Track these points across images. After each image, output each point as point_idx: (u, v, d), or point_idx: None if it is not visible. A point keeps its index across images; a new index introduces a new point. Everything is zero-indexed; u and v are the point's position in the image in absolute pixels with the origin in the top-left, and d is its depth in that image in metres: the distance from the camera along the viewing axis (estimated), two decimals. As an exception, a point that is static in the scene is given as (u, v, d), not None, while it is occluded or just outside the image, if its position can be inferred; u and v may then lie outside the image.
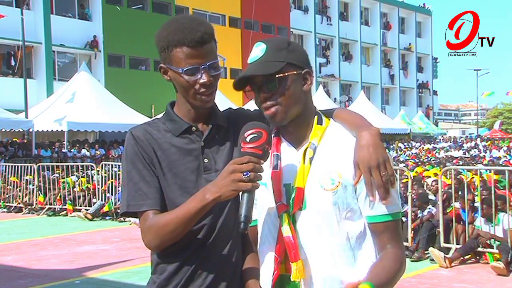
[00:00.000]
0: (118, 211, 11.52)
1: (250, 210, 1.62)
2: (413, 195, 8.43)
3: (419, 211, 8.22)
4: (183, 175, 1.81)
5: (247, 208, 1.61)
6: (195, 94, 1.80)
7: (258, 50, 1.75)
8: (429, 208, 8.12)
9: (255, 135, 1.64)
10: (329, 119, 1.81)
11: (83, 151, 22.59)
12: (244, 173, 1.60)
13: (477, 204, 7.71)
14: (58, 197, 13.01)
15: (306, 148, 1.73)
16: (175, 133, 1.85)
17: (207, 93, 1.80)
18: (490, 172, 10.79)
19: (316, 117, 1.78)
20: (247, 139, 1.64)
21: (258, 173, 1.61)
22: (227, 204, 1.81)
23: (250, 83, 1.75)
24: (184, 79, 1.78)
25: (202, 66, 1.76)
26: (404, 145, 35.58)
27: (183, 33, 1.76)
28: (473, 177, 10.54)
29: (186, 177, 1.81)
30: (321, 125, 1.77)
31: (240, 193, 1.64)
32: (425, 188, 10.32)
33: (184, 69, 1.77)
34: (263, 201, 1.79)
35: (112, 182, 12.15)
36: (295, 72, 1.72)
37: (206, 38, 1.77)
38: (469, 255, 7.36)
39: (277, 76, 1.69)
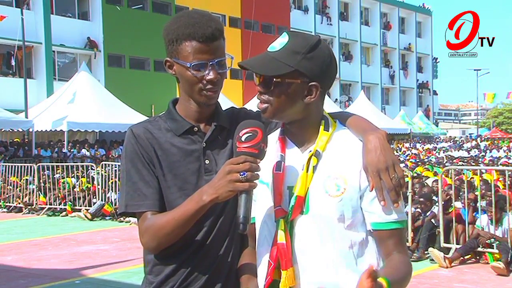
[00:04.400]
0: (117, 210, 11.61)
1: (249, 211, 1.59)
2: (414, 195, 8.43)
3: (422, 212, 8.19)
4: (183, 177, 1.79)
5: (246, 209, 1.58)
6: (201, 90, 1.77)
7: (278, 42, 1.68)
8: (433, 208, 8.11)
9: (250, 134, 1.61)
10: (336, 122, 1.76)
11: (83, 151, 22.58)
12: (241, 173, 1.57)
13: (478, 204, 7.70)
14: (58, 197, 13.02)
15: (311, 156, 1.67)
16: (177, 132, 1.83)
17: (213, 90, 1.78)
18: (486, 172, 10.79)
19: (323, 122, 1.72)
20: (243, 139, 1.61)
21: (255, 173, 1.58)
22: (226, 205, 1.79)
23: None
24: (191, 74, 1.76)
25: (211, 62, 1.75)
26: (404, 145, 35.56)
27: (194, 27, 1.74)
28: (472, 177, 10.54)
29: (186, 179, 1.79)
30: (328, 131, 1.71)
31: (238, 194, 1.61)
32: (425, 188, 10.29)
33: (192, 64, 1.74)
34: (264, 201, 1.74)
35: (112, 182, 12.14)
36: (299, 81, 1.64)
37: (217, 34, 1.76)
38: (469, 255, 7.36)
39: (274, 80, 1.64)
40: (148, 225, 1.74)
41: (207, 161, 1.81)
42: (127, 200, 1.78)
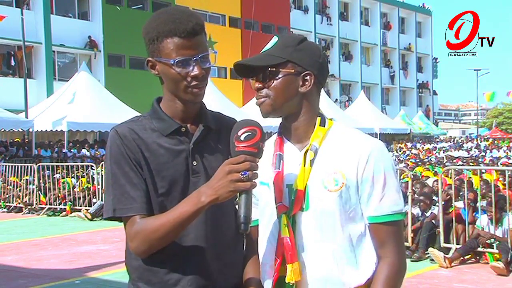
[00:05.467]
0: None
1: (249, 210, 1.58)
2: (414, 195, 8.42)
3: (421, 213, 8.18)
4: (171, 178, 1.74)
5: (246, 208, 1.57)
6: (186, 88, 1.73)
7: (269, 43, 1.77)
8: (432, 209, 8.12)
9: (249, 133, 1.60)
10: (332, 121, 1.79)
11: (83, 151, 22.58)
12: (242, 173, 1.55)
13: (478, 204, 7.70)
14: (58, 197, 13.02)
15: (307, 150, 1.71)
16: (164, 132, 1.77)
17: (199, 86, 1.74)
18: (486, 172, 10.79)
19: (319, 118, 1.77)
20: (241, 138, 1.59)
21: (255, 172, 1.57)
22: (218, 206, 1.76)
23: (253, 72, 1.76)
24: (175, 71, 1.71)
25: (194, 58, 1.71)
26: (406, 145, 35.55)
27: (174, 23, 1.70)
28: (471, 177, 10.54)
29: (174, 180, 1.75)
30: (324, 126, 1.76)
31: (238, 194, 1.60)
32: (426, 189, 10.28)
33: (176, 61, 1.70)
34: (265, 201, 1.77)
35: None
36: (292, 71, 1.71)
37: (198, 29, 1.72)
38: (469, 255, 7.35)
39: (269, 69, 1.70)
40: (138, 229, 1.69)
41: (194, 163, 1.77)
42: (115, 204, 1.72)
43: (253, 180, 1.57)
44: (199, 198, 1.61)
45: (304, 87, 1.73)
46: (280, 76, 1.71)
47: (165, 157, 1.75)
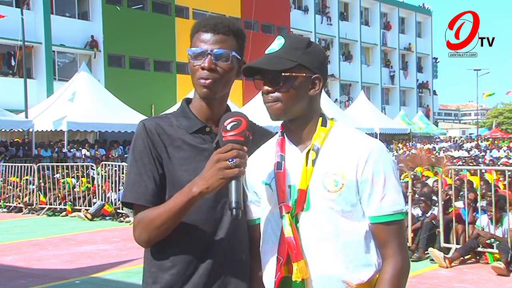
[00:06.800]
0: (118, 210, 11.59)
1: (240, 196, 1.63)
2: (413, 195, 8.42)
3: (421, 213, 8.19)
4: (192, 174, 1.78)
5: (237, 194, 1.62)
6: (197, 80, 1.81)
7: (276, 44, 1.76)
8: (432, 209, 8.12)
9: (235, 122, 1.65)
10: (333, 121, 1.81)
11: (83, 151, 22.58)
12: (230, 160, 1.60)
13: (478, 204, 7.70)
14: (58, 197, 13.02)
15: (309, 150, 1.73)
16: (189, 130, 1.85)
17: (206, 77, 1.79)
18: (486, 172, 10.79)
19: (320, 119, 1.78)
20: (228, 128, 1.65)
21: (243, 160, 1.62)
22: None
23: (260, 73, 1.76)
24: (190, 62, 1.82)
25: (208, 51, 1.78)
26: (406, 145, 35.53)
27: (203, 21, 1.84)
28: (469, 179, 10.53)
29: (194, 176, 1.77)
30: (325, 127, 1.77)
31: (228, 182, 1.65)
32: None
33: (191, 49, 1.80)
34: (267, 201, 1.79)
35: (112, 182, 12.14)
36: (304, 74, 1.72)
37: (221, 28, 1.80)
38: (469, 255, 7.35)
39: (283, 74, 1.70)
40: (140, 218, 1.78)
41: None
42: (128, 190, 1.81)
43: (242, 168, 1.61)
44: (191, 188, 1.67)
45: (313, 90, 1.75)
46: (292, 80, 1.71)
47: (188, 152, 1.83)
